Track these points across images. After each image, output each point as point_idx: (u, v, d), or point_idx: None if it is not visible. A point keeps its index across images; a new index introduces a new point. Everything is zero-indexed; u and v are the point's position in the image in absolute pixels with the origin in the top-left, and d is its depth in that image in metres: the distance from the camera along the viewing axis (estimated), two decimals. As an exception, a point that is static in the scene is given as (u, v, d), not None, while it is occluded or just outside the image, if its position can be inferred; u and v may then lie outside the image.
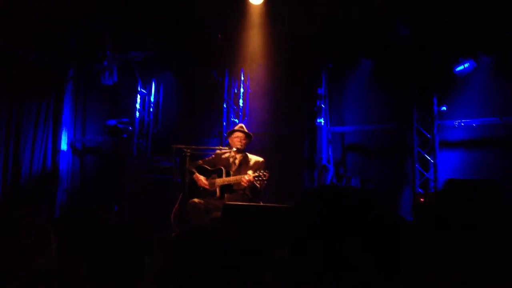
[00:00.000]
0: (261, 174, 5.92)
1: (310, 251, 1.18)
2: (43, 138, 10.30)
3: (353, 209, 1.26)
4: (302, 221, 1.26)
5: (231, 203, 5.56)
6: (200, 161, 6.77)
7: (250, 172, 6.06)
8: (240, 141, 6.43)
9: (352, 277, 1.18)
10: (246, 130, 6.55)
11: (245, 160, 6.45)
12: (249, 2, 8.22)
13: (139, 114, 9.85)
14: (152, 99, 9.88)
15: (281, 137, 8.78)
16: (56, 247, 2.40)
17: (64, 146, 10.33)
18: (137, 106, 9.84)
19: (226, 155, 6.61)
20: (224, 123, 9.12)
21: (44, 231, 2.62)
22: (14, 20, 8.78)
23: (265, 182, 5.99)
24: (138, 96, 9.85)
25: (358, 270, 1.18)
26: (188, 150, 6.59)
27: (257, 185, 6.03)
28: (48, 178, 10.13)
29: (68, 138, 10.42)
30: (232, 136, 6.55)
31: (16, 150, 10.12)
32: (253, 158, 6.45)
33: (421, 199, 6.42)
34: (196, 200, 6.23)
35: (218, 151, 6.85)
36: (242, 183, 6.08)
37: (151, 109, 9.88)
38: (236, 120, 9.05)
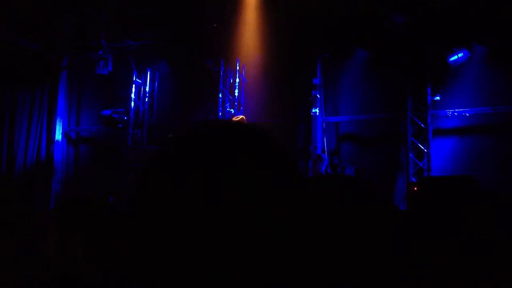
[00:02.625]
0: None
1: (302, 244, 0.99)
2: (37, 128, 10.29)
3: (349, 199, 1.16)
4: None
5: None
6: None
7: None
8: None
9: (345, 269, 1.07)
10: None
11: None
12: (245, -8, 8.24)
13: (134, 104, 9.85)
14: (147, 88, 9.88)
15: (276, 127, 8.79)
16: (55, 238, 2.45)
17: (58, 136, 10.31)
18: (132, 96, 9.84)
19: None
20: (220, 113, 9.15)
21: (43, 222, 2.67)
22: (8, 7, 8.74)
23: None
24: (133, 86, 9.85)
25: (352, 262, 1.08)
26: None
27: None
28: (43, 169, 10.13)
29: (63, 128, 10.40)
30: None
31: (10, 139, 10.12)
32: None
33: (415, 188, 6.49)
34: None
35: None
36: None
37: (146, 99, 9.88)
38: (232, 110, 9.08)
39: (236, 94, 9.07)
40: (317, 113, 8.54)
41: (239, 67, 9.07)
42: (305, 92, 8.71)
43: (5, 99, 10.12)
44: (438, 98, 7.78)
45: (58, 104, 10.36)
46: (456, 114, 7.71)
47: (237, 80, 9.07)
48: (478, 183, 5.17)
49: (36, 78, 10.36)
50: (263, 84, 8.89)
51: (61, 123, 10.40)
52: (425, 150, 7.85)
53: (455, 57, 7.43)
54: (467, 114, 7.65)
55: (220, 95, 9.19)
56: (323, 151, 8.51)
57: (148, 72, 9.87)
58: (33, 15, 9.27)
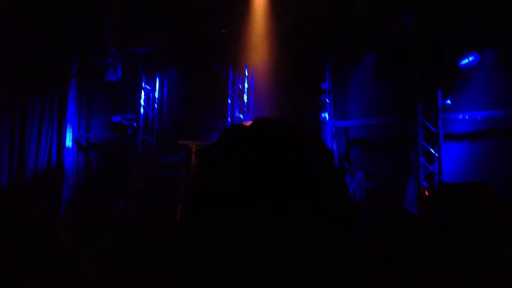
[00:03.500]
0: None
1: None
2: (47, 134, 10.35)
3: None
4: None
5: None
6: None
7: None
8: None
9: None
10: None
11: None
12: (253, -3, 8.23)
13: (144, 110, 9.87)
14: (156, 94, 9.90)
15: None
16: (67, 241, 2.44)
17: (69, 142, 10.37)
18: (142, 102, 9.86)
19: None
20: (229, 118, 9.14)
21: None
22: (18, 14, 8.80)
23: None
24: (143, 92, 9.87)
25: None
26: (194, 146, 6.60)
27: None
28: (53, 175, 10.18)
29: (73, 135, 10.46)
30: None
31: (21, 146, 10.17)
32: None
33: (426, 192, 6.43)
34: None
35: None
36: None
37: (156, 105, 9.90)
38: (241, 116, 9.07)
39: (245, 99, 9.06)
40: (327, 118, 8.51)
41: (247, 72, 9.06)
42: (314, 97, 8.69)
43: (15, 106, 10.18)
44: (449, 102, 7.72)
45: (68, 110, 10.42)
46: (467, 117, 7.63)
47: (246, 85, 9.06)
48: (493, 190, 5.11)
49: (46, 85, 10.42)
50: (271, 89, 8.87)
51: (71, 130, 10.45)
52: (436, 154, 7.78)
53: (466, 60, 7.37)
54: (478, 118, 7.58)
55: (229, 101, 9.18)
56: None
57: (157, 78, 9.89)
58: (43, 22, 9.34)
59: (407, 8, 7.53)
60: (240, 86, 9.19)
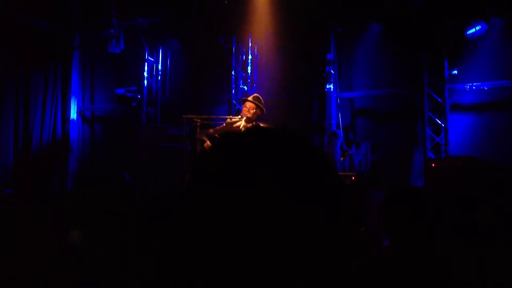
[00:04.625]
0: None
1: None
2: (52, 106, 10.34)
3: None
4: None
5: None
6: (211, 130, 6.78)
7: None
8: (249, 111, 6.40)
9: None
10: (258, 103, 6.46)
11: (257, 129, 6.45)
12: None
13: (147, 82, 9.84)
14: (159, 66, 9.84)
15: (290, 104, 8.75)
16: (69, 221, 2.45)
17: (73, 114, 10.37)
18: (145, 74, 9.82)
19: (237, 123, 6.60)
20: (233, 90, 9.10)
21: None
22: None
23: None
24: (146, 64, 9.81)
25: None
26: (198, 120, 6.59)
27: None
28: (59, 147, 10.23)
29: (77, 107, 10.46)
30: (243, 105, 6.54)
31: (25, 119, 10.18)
32: (265, 128, 6.45)
33: (432, 164, 6.43)
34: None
35: (228, 120, 6.85)
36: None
37: (159, 77, 9.86)
38: (245, 87, 9.03)
39: (249, 71, 9.00)
40: (331, 89, 8.45)
41: (251, 43, 8.97)
42: (319, 68, 8.61)
43: (19, 80, 10.15)
44: (455, 72, 7.63)
45: (72, 82, 10.39)
46: (474, 88, 7.56)
47: (250, 57, 8.98)
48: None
49: (49, 57, 10.36)
50: (276, 61, 8.78)
51: (76, 102, 10.44)
52: (443, 125, 7.74)
53: (473, 30, 7.25)
54: (485, 88, 7.50)
55: (233, 72, 9.13)
56: (338, 127, 8.45)
57: (160, 50, 9.81)
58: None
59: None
60: (243, 58, 9.12)
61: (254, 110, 6.41)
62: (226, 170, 0.87)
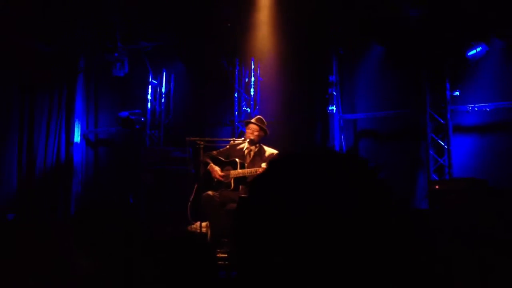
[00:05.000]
0: None
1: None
2: (56, 130, 10.38)
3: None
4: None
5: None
6: (215, 152, 6.79)
7: (263, 164, 6.07)
8: (253, 133, 6.42)
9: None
10: (261, 124, 6.48)
11: (260, 152, 6.46)
12: (258, -10, 8.18)
13: (151, 105, 9.89)
14: (163, 89, 9.91)
15: (293, 125, 8.78)
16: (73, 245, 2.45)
17: (77, 138, 10.40)
18: (149, 96, 9.88)
19: (241, 146, 6.62)
20: (236, 112, 9.14)
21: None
22: (25, 10, 8.81)
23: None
24: (150, 87, 9.89)
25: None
26: (202, 142, 6.60)
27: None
28: (63, 171, 10.23)
29: (81, 130, 10.49)
30: (247, 127, 6.56)
31: (30, 142, 10.24)
32: (268, 150, 6.45)
33: (436, 186, 6.42)
34: (210, 193, 6.27)
35: (232, 142, 6.87)
36: (257, 176, 6.09)
37: (163, 100, 9.92)
38: (248, 109, 9.07)
39: (252, 93, 9.05)
40: (334, 111, 8.47)
41: (254, 66, 9.03)
42: (321, 89, 8.65)
43: (23, 103, 10.24)
44: (457, 93, 7.66)
45: (76, 106, 10.44)
46: (476, 109, 7.58)
47: (253, 79, 9.04)
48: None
49: (54, 80, 10.45)
50: (278, 83, 8.83)
51: (80, 125, 10.48)
52: (446, 147, 7.74)
53: (474, 51, 7.30)
54: (487, 109, 7.52)
55: (236, 94, 9.18)
56: (341, 149, 8.46)
57: (164, 73, 9.89)
58: (49, 18, 9.34)
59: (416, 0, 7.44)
60: (246, 80, 9.18)
61: (258, 132, 6.43)
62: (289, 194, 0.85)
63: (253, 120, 6.59)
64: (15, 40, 9.41)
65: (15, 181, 9.90)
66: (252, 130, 6.44)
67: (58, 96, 10.47)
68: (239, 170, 6.33)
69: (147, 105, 9.85)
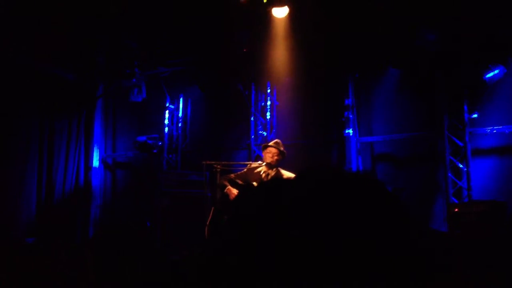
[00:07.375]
0: None
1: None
2: (75, 155, 10.52)
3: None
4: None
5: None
6: (232, 175, 6.78)
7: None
8: (272, 157, 6.40)
9: None
10: (280, 147, 6.48)
11: (277, 175, 6.44)
12: (274, 16, 8.27)
13: (168, 129, 9.99)
14: (180, 114, 10.01)
15: (310, 148, 8.78)
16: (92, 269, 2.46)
17: (96, 162, 10.52)
18: (166, 121, 9.99)
19: (258, 169, 6.61)
20: (252, 136, 9.18)
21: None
22: (43, 37, 9.00)
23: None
24: (167, 112, 10.00)
25: None
26: (218, 166, 6.61)
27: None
28: (82, 195, 10.33)
29: (100, 154, 10.62)
30: (265, 150, 6.54)
31: (49, 167, 10.36)
32: (286, 174, 6.43)
33: (455, 209, 6.33)
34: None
35: (249, 166, 6.86)
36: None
37: (180, 124, 10.01)
38: (264, 133, 9.10)
39: (268, 116, 9.09)
40: (351, 134, 8.46)
41: (270, 90, 9.10)
42: (338, 113, 8.66)
43: (43, 128, 10.40)
44: (475, 116, 7.61)
45: (95, 131, 10.59)
46: (495, 131, 7.51)
47: (269, 102, 9.10)
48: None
49: (73, 107, 10.63)
50: (294, 106, 8.88)
51: (98, 150, 10.61)
52: (464, 169, 7.66)
53: (491, 73, 7.27)
54: (506, 132, 7.44)
55: (252, 118, 9.23)
56: (358, 171, 8.40)
57: (181, 98, 10.02)
58: (69, 45, 9.53)
59: (432, 23, 7.45)
60: (262, 104, 9.24)
61: (277, 157, 6.41)
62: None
63: (271, 144, 6.59)
64: (35, 67, 9.61)
65: (34, 206, 10.00)
66: (272, 154, 6.42)
67: (77, 121, 10.64)
68: (257, 194, 6.29)
69: (164, 129, 9.95)
